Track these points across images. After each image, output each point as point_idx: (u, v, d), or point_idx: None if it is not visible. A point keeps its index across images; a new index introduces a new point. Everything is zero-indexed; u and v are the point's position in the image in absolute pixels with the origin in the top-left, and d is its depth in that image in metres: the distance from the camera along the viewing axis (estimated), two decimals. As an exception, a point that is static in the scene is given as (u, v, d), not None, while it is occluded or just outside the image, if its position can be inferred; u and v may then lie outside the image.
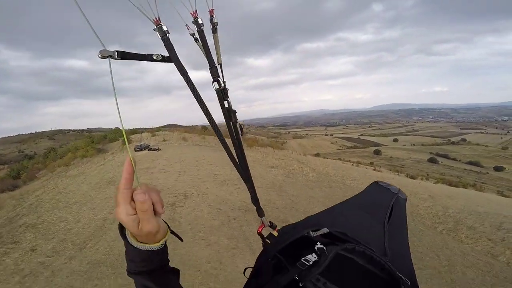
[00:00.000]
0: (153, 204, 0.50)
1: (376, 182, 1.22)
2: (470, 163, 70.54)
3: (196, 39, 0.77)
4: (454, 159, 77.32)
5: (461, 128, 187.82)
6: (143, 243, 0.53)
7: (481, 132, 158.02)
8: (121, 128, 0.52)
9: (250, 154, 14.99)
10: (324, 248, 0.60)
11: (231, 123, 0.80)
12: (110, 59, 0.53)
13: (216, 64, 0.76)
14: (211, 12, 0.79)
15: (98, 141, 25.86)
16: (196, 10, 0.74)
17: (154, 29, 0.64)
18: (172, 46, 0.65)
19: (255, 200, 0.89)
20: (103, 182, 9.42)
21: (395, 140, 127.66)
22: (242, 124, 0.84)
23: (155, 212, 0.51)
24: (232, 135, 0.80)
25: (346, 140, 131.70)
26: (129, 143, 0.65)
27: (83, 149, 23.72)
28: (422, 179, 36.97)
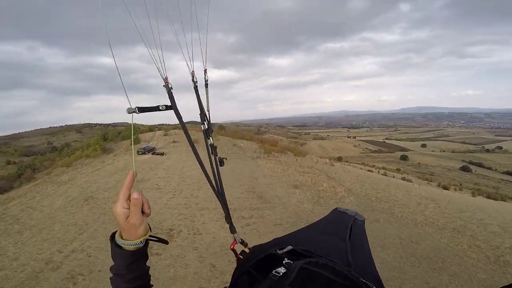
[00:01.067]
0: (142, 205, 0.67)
1: (336, 209, 1.33)
2: (508, 173, 64.82)
3: (195, 90, 1.03)
4: (489, 168, 71.57)
5: (496, 135, 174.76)
6: (127, 240, 0.65)
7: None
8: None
9: (268, 166, 14.06)
10: (291, 262, 0.68)
11: (212, 156, 1.01)
12: (133, 113, 0.76)
13: (205, 111, 1.01)
14: (205, 71, 1.06)
15: (112, 137, 26.09)
16: (193, 71, 1.00)
17: (163, 85, 0.85)
18: (174, 98, 0.85)
19: (229, 218, 0.98)
20: (81, 199, 8.88)
21: (423, 146, 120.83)
22: (224, 158, 1.08)
23: (142, 212, 0.67)
24: (211, 163, 0.98)
25: (370, 143, 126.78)
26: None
27: (92, 147, 24.02)
28: (455, 189, 34.23)
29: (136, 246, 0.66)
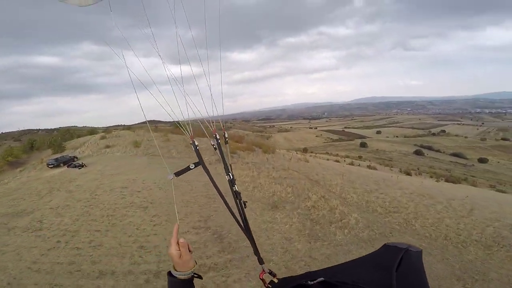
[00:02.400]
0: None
1: (385, 244, 1.12)
2: (455, 154, 70.94)
3: (215, 148, 1.23)
4: (438, 150, 77.72)
5: (438, 120, 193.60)
6: (180, 271, 0.91)
7: (458, 124, 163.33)
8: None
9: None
10: None
11: (237, 200, 1.17)
12: (173, 179, 1.02)
13: (228, 164, 1.17)
14: (224, 130, 1.29)
15: (39, 145, 21.32)
16: (214, 128, 1.23)
17: (190, 143, 1.10)
18: (200, 155, 1.10)
19: (256, 250, 1.12)
20: None
21: (379, 132, 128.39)
22: (246, 201, 1.21)
23: (189, 250, 0.93)
24: (238, 209, 1.15)
25: (330, 132, 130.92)
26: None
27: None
28: (416, 174, 35.35)
29: (188, 275, 0.92)
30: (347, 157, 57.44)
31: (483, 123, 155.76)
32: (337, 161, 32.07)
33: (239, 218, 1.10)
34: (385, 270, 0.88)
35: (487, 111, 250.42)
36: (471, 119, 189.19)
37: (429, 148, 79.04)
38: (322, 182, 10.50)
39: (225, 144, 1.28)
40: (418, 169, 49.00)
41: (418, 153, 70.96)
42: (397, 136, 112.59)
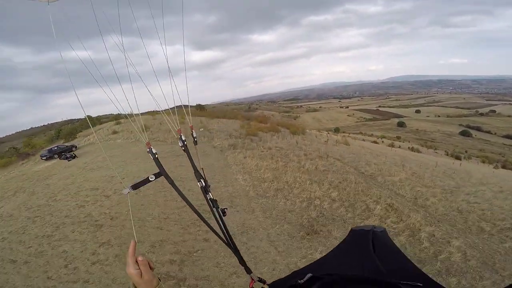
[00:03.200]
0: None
1: (351, 230, 1.28)
2: (508, 136, 63.02)
3: (184, 150, 1.04)
4: (488, 132, 69.73)
5: (486, 100, 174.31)
6: None
7: (510, 104, 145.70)
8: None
9: (248, 166, 8.75)
10: None
11: (214, 208, 1.03)
12: (129, 194, 0.87)
13: (199, 169, 1.05)
14: (191, 128, 1.12)
15: (65, 135, 20.90)
16: (179, 128, 1.04)
17: (147, 151, 0.92)
18: (160, 163, 0.91)
19: (242, 261, 1.04)
20: None
21: (418, 111, 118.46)
22: (225, 208, 1.09)
23: (150, 267, 0.82)
24: (216, 219, 1.01)
25: (364, 112, 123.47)
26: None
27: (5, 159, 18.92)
28: (465, 159, 31.28)
29: None
30: (384, 137, 53.40)
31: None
32: (375, 142, 29.12)
33: (218, 231, 1.00)
34: (366, 257, 0.96)
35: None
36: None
37: (478, 129, 71.19)
38: (380, 177, 8.01)
39: (194, 145, 1.18)
40: (466, 152, 44.02)
41: (464, 134, 64.17)
42: (438, 116, 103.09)
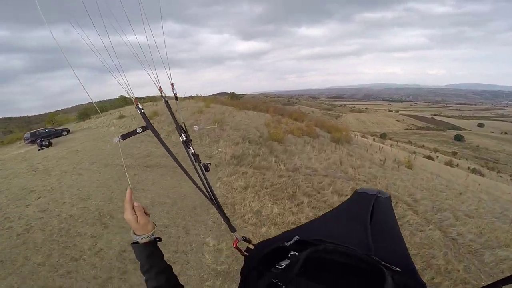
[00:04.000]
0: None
1: (356, 191, 1.26)
2: None
3: (166, 105, 1.08)
4: None
5: None
6: (140, 235, 0.87)
7: None
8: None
9: (264, 208, 5.65)
10: (296, 253, 0.67)
11: (196, 163, 1.02)
12: (119, 142, 0.88)
13: (180, 123, 1.02)
14: (172, 85, 1.06)
15: (91, 113, 21.12)
16: (160, 86, 1.01)
17: (135, 107, 0.93)
18: (147, 118, 0.93)
19: (225, 218, 1.03)
20: None
21: (481, 125, 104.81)
22: (208, 163, 1.08)
23: (146, 213, 0.89)
24: (199, 173, 1.00)
25: (415, 118, 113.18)
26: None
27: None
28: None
29: (148, 238, 0.88)
30: (437, 151, 48.10)
31: None
32: (429, 157, 25.98)
33: (201, 185, 0.99)
34: (360, 224, 0.95)
35: None
36: None
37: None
38: (488, 253, 4.95)
39: (176, 100, 1.14)
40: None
41: (538, 158, 55.00)
42: (505, 133, 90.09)
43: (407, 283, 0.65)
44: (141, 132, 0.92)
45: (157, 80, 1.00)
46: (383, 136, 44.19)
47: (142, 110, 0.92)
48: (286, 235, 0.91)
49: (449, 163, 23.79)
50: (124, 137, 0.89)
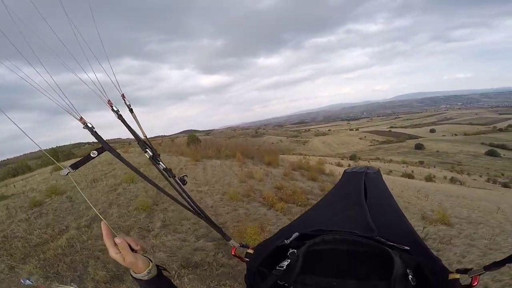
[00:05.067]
0: (129, 245, 0.72)
1: (345, 171, 1.28)
2: (541, 154, 57.99)
3: (121, 119, 0.88)
4: (516, 150, 64.76)
5: (500, 114, 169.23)
6: (138, 273, 0.74)
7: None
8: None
9: None
10: (295, 251, 0.63)
11: (170, 178, 0.91)
12: (69, 174, 0.71)
13: (142, 138, 0.91)
14: (123, 96, 0.90)
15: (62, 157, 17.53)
16: (109, 99, 0.84)
17: (83, 127, 0.76)
18: (101, 137, 0.77)
19: (217, 228, 0.94)
20: None
21: (432, 131, 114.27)
22: (184, 175, 0.98)
23: (133, 250, 0.73)
24: (176, 189, 0.89)
25: (375, 134, 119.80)
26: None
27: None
28: None
29: (145, 277, 0.74)
30: (405, 163, 49.41)
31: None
32: (410, 175, 25.38)
33: (183, 201, 0.90)
34: (356, 204, 0.94)
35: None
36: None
37: (503, 147, 66.30)
38: None
39: (131, 113, 0.96)
40: (502, 174, 39.61)
41: (491, 153, 59.41)
42: (455, 134, 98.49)
43: (420, 261, 0.61)
44: (97, 155, 0.78)
45: (102, 92, 0.84)
46: (353, 157, 44.20)
47: (94, 130, 0.78)
48: (284, 232, 0.92)
49: (429, 179, 23.21)
50: (75, 166, 0.73)
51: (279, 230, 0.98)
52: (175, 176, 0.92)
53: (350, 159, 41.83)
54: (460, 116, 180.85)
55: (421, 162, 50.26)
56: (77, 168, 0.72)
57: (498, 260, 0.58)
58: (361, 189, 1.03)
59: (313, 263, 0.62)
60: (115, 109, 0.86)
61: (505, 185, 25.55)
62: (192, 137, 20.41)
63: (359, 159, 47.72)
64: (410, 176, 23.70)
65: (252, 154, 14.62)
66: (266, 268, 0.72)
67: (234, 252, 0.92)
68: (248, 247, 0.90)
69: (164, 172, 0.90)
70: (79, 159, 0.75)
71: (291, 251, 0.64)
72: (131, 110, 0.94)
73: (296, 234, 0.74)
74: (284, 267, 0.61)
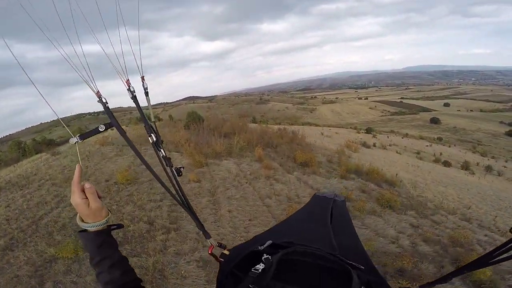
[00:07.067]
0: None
1: (315, 194, 1.43)
2: None
3: (134, 101, 0.87)
4: (539, 131, 60.75)
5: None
6: (90, 223, 0.72)
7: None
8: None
9: None
10: (270, 257, 0.67)
11: (168, 167, 0.91)
12: (77, 143, 0.74)
13: (150, 122, 0.89)
14: (142, 78, 0.90)
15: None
16: (128, 79, 0.85)
17: (97, 101, 0.79)
18: (112, 113, 0.79)
19: (199, 224, 0.96)
20: None
21: (446, 105, 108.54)
22: (181, 167, 0.96)
23: (98, 197, 0.73)
24: (170, 179, 0.90)
25: (386, 104, 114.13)
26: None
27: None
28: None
29: (101, 225, 0.73)
30: (422, 138, 46.01)
31: None
32: (438, 161, 21.84)
33: (173, 190, 0.90)
34: (323, 225, 1.04)
35: None
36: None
37: (525, 127, 62.19)
38: None
39: (146, 96, 0.94)
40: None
41: (512, 134, 55.57)
42: (471, 110, 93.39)
43: (370, 280, 0.68)
44: (104, 130, 0.79)
45: (124, 71, 0.84)
46: (368, 130, 40.57)
47: (107, 105, 0.79)
48: (258, 239, 0.97)
49: (466, 167, 19.81)
50: (83, 137, 0.77)
51: (254, 237, 1.07)
52: (172, 166, 0.92)
53: (366, 132, 38.23)
54: (474, 91, 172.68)
55: (440, 139, 46.76)
56: (85, 138, 0.76)
57: (432, 280, 0.70)
58: (328, 213, 1.15)
59: (285, 272, 0.66)
60: (132, 89, 0.85)
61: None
62: (192, 116, 13.37)
63: (376, 132, 43.90)
64: (446, 163, 20.26)
65: (274, 141, 9.94)
66: (239, 271, 0.75)
67: (211, 251, 0.94)
68: (225, 248, 0.94)
69: (163, 160, 0.90)
70: (88, 130, 0.78)
71: (265, 256, 0.67)
72: (146, 93, 0.91)
73: (269, 242, 0.80)
74: (260, 271, 0.63)
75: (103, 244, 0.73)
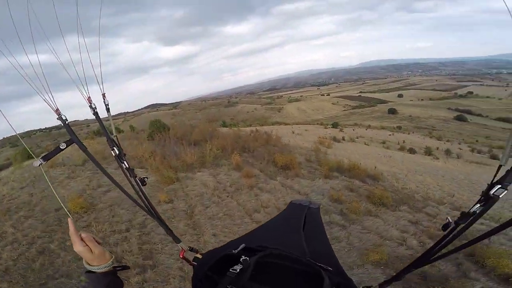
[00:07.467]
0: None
1: (291, 202, 1.45)
2: (502, 119, 61.09)
3: (96, 117, 0.91)
4: (479, 115, 68.01)
5: (457, 81, 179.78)
6: (97, 265, 0.75)
7: (481, 85, 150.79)
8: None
9: None
10: (247, 258, 0.69)
11: (132, 178, 0.93)
12: (41, 166, 0.75)
13: (112, 136, 0.92)
14: (103, 96, 0.94)
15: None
16: (89, 96, 0.88)
17: (57, 118, 0.80)
18: (72, 130, 0.81)
19: (168, 230, 0.97)
20: None
21: (400, 96, 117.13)
22: (145, 177, 1.00)
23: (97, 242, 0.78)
24: (135, 188, 0.93)
25: (347, 99, 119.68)
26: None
27: None
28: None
29: (108, 267, 0.77)
30: (383, 128, 48.76)
31: (508, 84, 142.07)
32: (412, 150, 23.06)
33: (137, 198, 0.91)
34: (296, 231, 1.06)
35: (504, 71, 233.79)
36: (493, 80, 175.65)
37: (469, 113, 69.26)
38: None
39: (107, 112, 1.00)
40: (476, 141, 40.34)
41: (460, 118, 61.49)
42: (422, 99, 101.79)
43: (339, 281, 0.72)
44: (65, 148, 0.81)
45: (86, 90, 0.87)
46: (334, 125, 41.83)
47: (67, 122, 0.80)
48: (232, 244, 0.96)
49: (429, 152, 21.08)
50: (46, 157, 0.77)
51: (228, 242, 1.07)
52: (136, 176, 0.94)
53: (333, 127, 39.29)
54: (422, 82, 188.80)
55: (399, 127, 49.91)
56: (49, 159, 0.76)
57: (388, 278, 0.74)
58: (302, 220, 1.18)
59: (261, 273, 0.67)
60: (93, 106, 0.88)
61: (492, 157, 24.60)
62: (155, 124, 10.29)
63: (341, 126, 45.43)
64: (412, 150, 21.36)
65: (249, 145, 9.14)
66: (213, 273, 0.75)
67: (183, 255, 0.94)
68: (197, 252, 0.95)
69: (127, 171, 0.92)
70: (50, 151, 0.77)
71: (243, 258, 0.69)
72: (108, 110, 0.95)
73: (243, 245, 0.83)
74: (238, 271, 0.64)
75: (110, 284, 0.77)
